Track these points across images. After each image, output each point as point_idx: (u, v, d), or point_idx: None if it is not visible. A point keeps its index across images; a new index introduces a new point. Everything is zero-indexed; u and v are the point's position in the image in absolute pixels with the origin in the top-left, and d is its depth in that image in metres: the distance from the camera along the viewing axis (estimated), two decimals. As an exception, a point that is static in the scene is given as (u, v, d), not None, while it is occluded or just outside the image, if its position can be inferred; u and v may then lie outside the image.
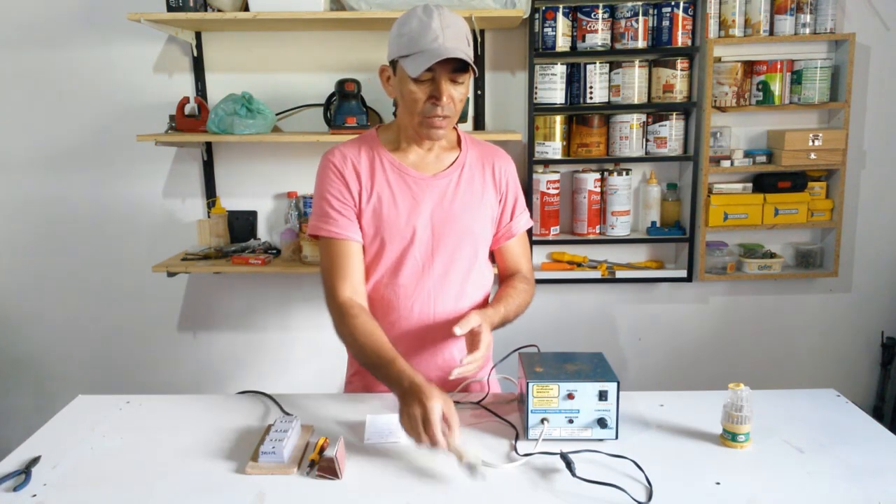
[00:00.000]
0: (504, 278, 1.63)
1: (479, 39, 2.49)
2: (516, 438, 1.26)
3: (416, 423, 1.17)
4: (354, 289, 1.45)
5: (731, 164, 2.55)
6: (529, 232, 2.49)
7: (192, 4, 2.29)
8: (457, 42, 1.36)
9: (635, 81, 2.49)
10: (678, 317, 2.74)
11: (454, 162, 1.53)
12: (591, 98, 2.51)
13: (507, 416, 1.37)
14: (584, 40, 2.47)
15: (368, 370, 1.38)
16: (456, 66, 1.37)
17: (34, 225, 2.69)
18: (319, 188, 1.51)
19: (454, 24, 1.37)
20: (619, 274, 2.62)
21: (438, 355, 1.54)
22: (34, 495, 1.12)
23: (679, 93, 2.50)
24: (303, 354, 2.74)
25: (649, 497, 1.08)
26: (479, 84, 2.55)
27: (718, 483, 1.13)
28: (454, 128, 1.59)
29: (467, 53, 1.37)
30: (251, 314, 2.75)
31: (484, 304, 1.59)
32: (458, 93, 1.41)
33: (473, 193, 1.52)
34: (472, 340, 1.37)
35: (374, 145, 1.52)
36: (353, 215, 1.48)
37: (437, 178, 1.51)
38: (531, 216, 2.47)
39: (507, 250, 1.61)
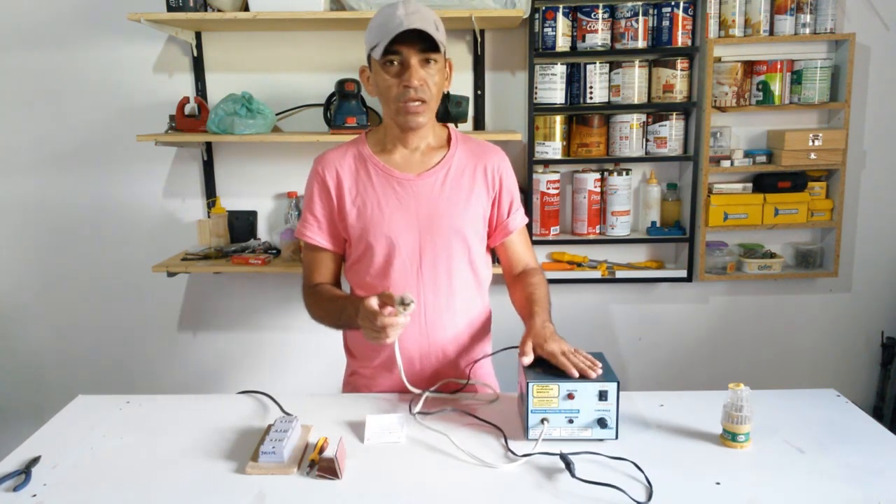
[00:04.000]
0: (512, 274, 1.62)
1: (479, 39, 2.49)
2: (505, 440, 1.26)
3: (368, 324, 1.29)
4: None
5: (731, 164, 2.55)
6: (529, 230, 2.50)
7: (192, 4, 2.29)
8: (423, 24, 1.37)
9: (635, 81, 2.49)
10: (678, 317, 2.74)
11: (441, 161, 1.53)
12: (591, 98, 2.51)
13: (506, 415, 1.37)
14: (584, 40, 2.47)
15: (333, 322, 1.51)
16: (423, 46, 1.39)
17: (34, 225, 2.69)
18: (305, 194, 1.59)
19: (420, 12, 1.39)
20: (619, 274, 2.62)
21: (433, 354, 1.54)
22: (34, 495, 1.12)
23: (679, 93, 2.50)
24: (303, 354, 2.74)
25: (649, 497, 1.08)
26: (479, 84, 2.55)
27: (718, 483, 1.13)
28: (446, 126, 1.60)
29: (433, 34, 1.38)
30: (251, 314, 2.75)
31: (480, 303, 1.59)
32: (431, 76, 1.43)
33: (461, 192, 1.52)
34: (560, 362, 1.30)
35: (361, 148, 1.56)
36: (329, 222, 1.55)
37: (422, 177, 1.51)
38: (531, 216, 2.53)
39: (510, 247, 1.60)
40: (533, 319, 1.41)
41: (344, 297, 1.50)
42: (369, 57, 1.45)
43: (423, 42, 1.38)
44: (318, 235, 1.55)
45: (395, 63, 1.41)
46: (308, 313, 1.57)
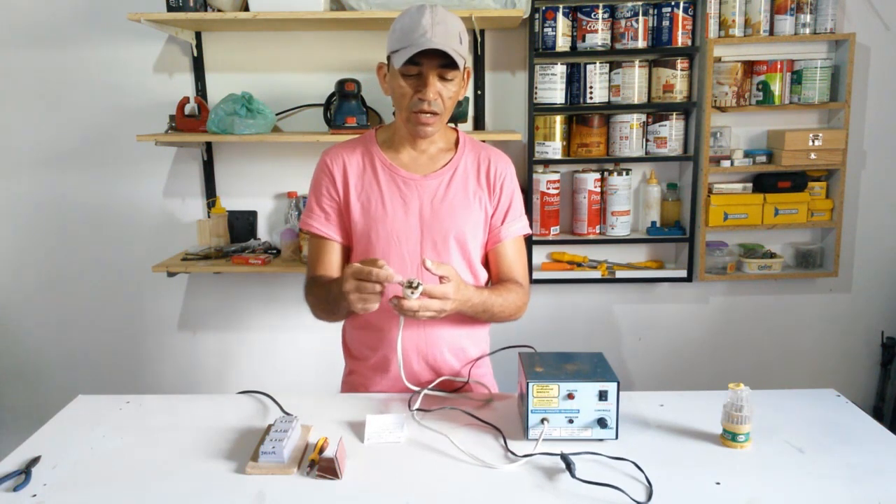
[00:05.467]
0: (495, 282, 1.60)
1: (479, 39, 2.49)
2: (504, 440, 1.26)
3: (361, 288, 1.27)
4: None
5: (731, 164, 2.55)
6: (530, 238, 2.50)
7: (192, 4, 2.29)
8: (446, 39, 1.36)
9: (635, 81, 2.49)
10: (678, 317, 2.74)
11: (447, 164, 1.54)
12: (591, 98, 2.51)
13: (505, 415, 1.37)
14: (584, 40, 2.47)
15: (323, 306, 1.48)
16: (443, 62, 1.39)
17: (34, 225, 2.69)
18: (312, 185, 1.58)
19: (445, 22, 1.38)
20: (619, 274, 2.62)
21: (430, 355, 1.53)
22: (34, 495, 1.12)
23: (679, 93, 2.50)
24: (302, 354, 2.74)
25: (649, 497, 1.08)
26: (479, 84, 2.55)
27: (718, 483, 1.13)
28: (455, 129, 1.60)
29: (456, 51, 1.38)
30: (251, 314, 2.75)
31: None
32: (447, 90, 1.43)
33: (465, 195, 1.52)
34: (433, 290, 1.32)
35: (369, 145, 1.56)
36: (336, 214, 1.54)
37: (428, 178, 1.52)
38: (531, 217, 2.52)
39: (499, 255, 1.56)
40: (471, 286, 1.43)
41: (334, 279, 1.48)
42: (389, 57, 1.44)
43: (444, 57, 1.37)
44: (324, 226, 1.54)
45: (414, 74, 1.41)
46: (308, 307, 1.54)
